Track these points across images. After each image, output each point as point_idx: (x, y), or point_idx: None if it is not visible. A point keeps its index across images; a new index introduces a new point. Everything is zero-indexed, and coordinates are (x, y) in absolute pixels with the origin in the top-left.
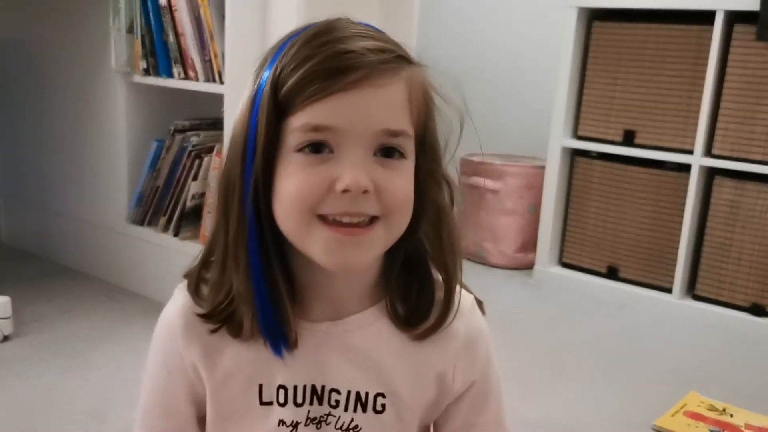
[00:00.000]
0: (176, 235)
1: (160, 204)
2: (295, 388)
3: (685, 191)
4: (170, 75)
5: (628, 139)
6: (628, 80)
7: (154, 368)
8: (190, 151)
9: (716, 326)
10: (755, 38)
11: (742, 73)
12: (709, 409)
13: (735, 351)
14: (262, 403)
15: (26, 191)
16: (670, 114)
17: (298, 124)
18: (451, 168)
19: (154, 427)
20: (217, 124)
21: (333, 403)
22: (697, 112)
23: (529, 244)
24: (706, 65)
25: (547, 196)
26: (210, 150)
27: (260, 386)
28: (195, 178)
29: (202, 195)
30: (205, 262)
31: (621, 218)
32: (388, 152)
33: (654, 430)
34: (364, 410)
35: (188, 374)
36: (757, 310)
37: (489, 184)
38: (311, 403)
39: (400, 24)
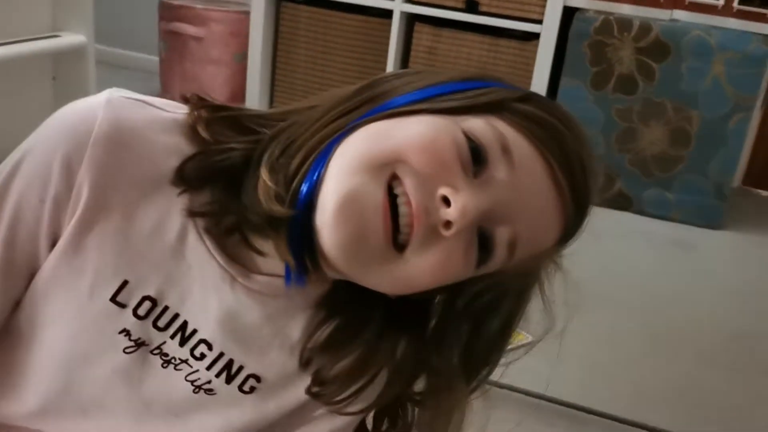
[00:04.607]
0: None
1: None
2: (166, 309)
3: (388, 37)
4: None
5: None
6: None
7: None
8: None
9: None
10: None
11: None
12: None
13: None
14: (113, 299)
15: None
16: None
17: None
18: (150, 14)
19: None
20: None
21: (197, 354)
22: None
23: (239, 94)
24: None
25: (254, 43)
26: None
27: (125, 282)
28: None
29: None
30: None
31: (329, 65)
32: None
33: None
34: (228, 382)
35: (56, 206)
36: None
37: (191, 30)
38: (173, 338)
39: None
